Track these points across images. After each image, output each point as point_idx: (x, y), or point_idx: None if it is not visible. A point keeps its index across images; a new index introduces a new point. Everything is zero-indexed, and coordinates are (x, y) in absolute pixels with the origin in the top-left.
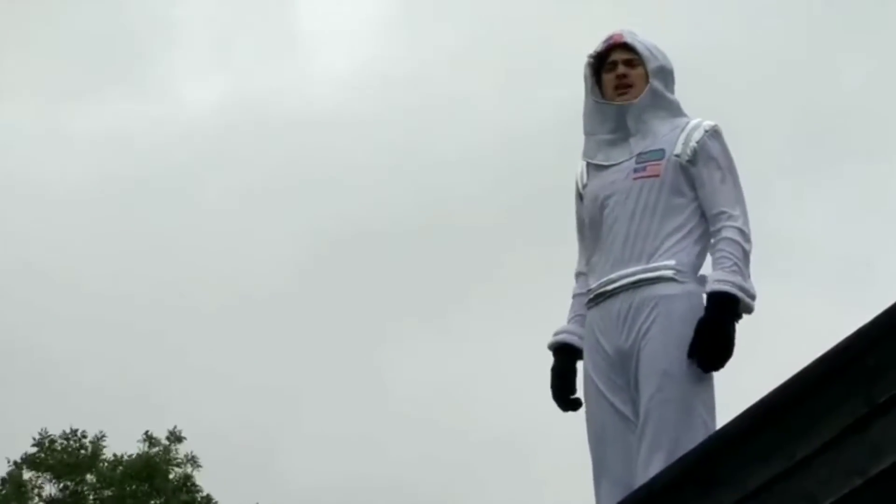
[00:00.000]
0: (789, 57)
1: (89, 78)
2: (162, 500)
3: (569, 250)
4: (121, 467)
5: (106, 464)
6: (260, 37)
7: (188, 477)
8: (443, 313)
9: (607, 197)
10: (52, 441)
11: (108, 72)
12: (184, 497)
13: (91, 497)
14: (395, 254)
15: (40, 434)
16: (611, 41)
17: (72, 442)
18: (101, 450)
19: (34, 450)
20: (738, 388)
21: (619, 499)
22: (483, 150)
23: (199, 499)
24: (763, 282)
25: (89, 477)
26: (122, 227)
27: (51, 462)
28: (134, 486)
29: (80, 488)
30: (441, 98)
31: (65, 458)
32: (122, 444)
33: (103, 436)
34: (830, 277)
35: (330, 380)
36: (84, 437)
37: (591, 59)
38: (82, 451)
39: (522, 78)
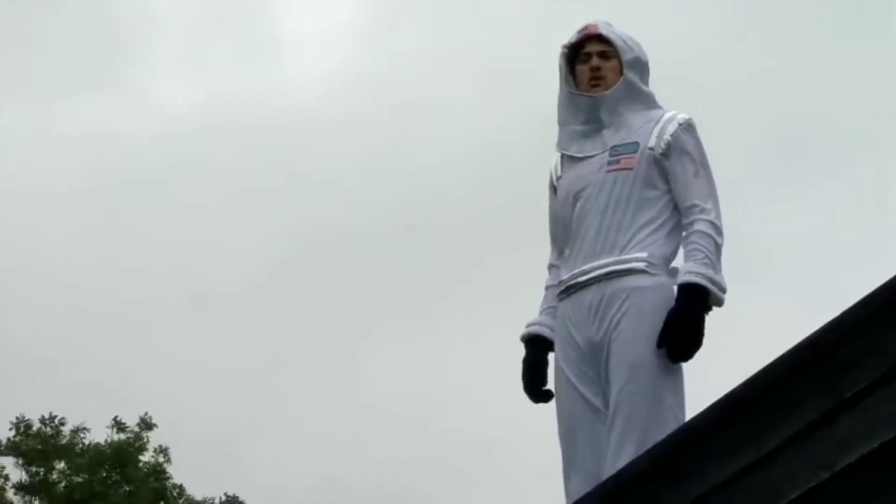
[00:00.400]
0: (763, 63)
1: (72, 78)
2: (132, 487)
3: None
4: (88, 454)
5: (76, 451)
6: (240, 38)
7: (158, 465)
8: (425, 313)
9: (581, 189)
10: (29, 426)
11: (91, 72)
12: (154, 485)
13: (61, 484)
14: (377, 253)
15: (17, 419)
16: (585, 32)
17: (49, 428)
18: (81, 440)
19: (10, 434)
20: (709, 384)
21: (588, 490)
22: (465, 151)
23: (169, 486)
24: (734, 285)
25: (60, 465)
26: (103, 223)
27: (23, 448)
28: (103, 474)
29: (49, 475)
30: (422, 99)
31: (36, 444)
32: (100, 435)
33: (84, 427)
34: (800, 282)
35: (309, 378)
36: (62, 423)
37: (566, 50)
38: (51, 440)
39: (504, 79)
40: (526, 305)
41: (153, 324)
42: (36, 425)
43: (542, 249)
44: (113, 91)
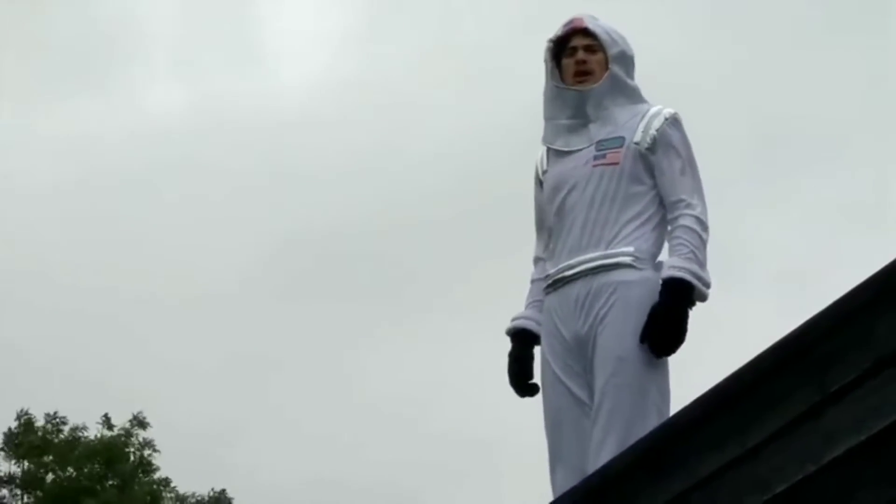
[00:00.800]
0: (747, 62)
1: (67, 81)
2: (118, 481)
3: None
4: (77, 449)
5: (68, 448)
6: (230, 42)
7: (144, 458)
8: (422, 313)
9: (567, 184)
10: (31, 422)
11: (86, 75)
12: (146, 485)
13: (48, 477)
14: (366, 254)
15: (20, 411)
16: (571, 26)
17: (50, 425)
18: (77, 439)
19: (13, 425)
20: (690, 382)
21: (574, 484)
22: (462, 148)
23: (156, 480)
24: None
25: (48, 459)
26: (98, 224)
27: (19, 441)
28: (91, 468)
29: (40, 470)
30: (411, 99)
31: (34, 440)
32: (93, 433)
33: (83, 427)
34: (782, 282)
35: (307, 378)
36: (64, 423)
37: (551, 44)
38: (50, 437)
39: (492, 77)
40: (520, 304)
41: (150, 323)
42: (40, 422)
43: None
44: (106, 94)
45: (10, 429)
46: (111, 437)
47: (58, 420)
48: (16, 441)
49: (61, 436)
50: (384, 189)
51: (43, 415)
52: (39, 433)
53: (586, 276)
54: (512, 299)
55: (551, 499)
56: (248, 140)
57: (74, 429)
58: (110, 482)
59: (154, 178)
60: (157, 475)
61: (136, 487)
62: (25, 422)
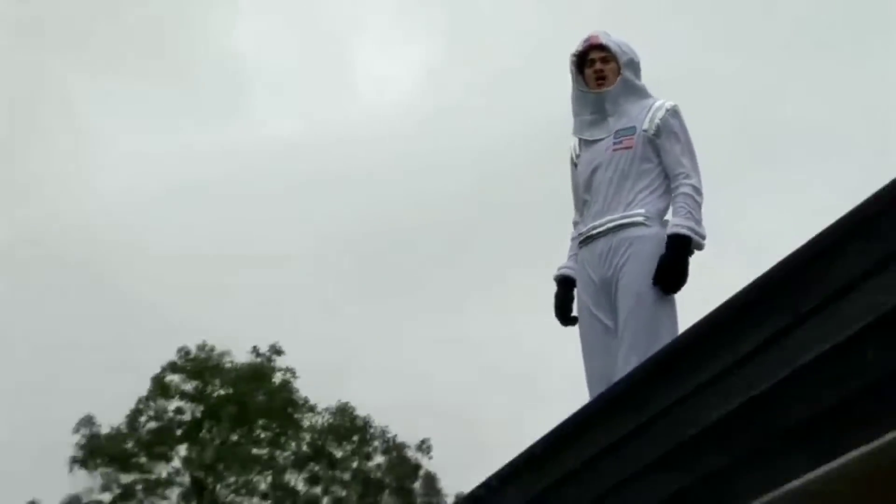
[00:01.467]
0: (736, 68)
1: (189, 105)
2: (266, 397)
3: (561, 250)
4: (235, 372)
5: (224, 370)
6: (322, 75)
7: (286, 381)
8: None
9: (594, 165)
10: (188, 352)
11: (206, 103)
12: (285, 394)
13: (214, 394)
14: (398, 251)
15: (180, 347)
16: (588, 42)
17: (203, 353)
18: (225, 363)
19: (177, 356)
20: None
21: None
22: (477, 154)
23: (297, 398)
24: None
25: (215, 381)
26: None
27: (187, 368)
28: (246, 386)
29: (206, 388)
30: (444, 102)
31: (191, 366)
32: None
33: (227, 353)
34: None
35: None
36: (212, 350)
37: (574, 57)
38: (205, 363)
39: (513, 86)
40: (543, 290)
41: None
42: (193, 351)
43: (559, 245)
44: (225, 118)
45: (174, 362)
46: (258, 363)
47: (208, 348)
48: (187, 369)
49: (212, 361)
50: (412, 190)
51: (195, 346)
52: (195, 360)
53: (609, 233)
54: (534, 288)
55: None
56: (338, 157)
57: (220, 354)
58: (260, 397)
59: (238, 187)
60: (297, 395)
61: (277, 402)
62: (185, 353)
